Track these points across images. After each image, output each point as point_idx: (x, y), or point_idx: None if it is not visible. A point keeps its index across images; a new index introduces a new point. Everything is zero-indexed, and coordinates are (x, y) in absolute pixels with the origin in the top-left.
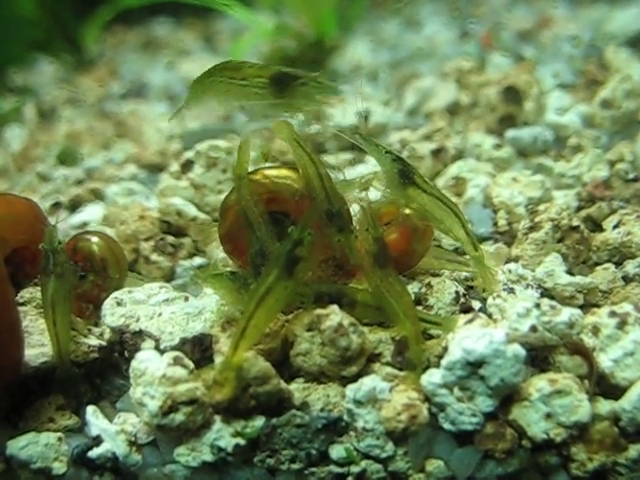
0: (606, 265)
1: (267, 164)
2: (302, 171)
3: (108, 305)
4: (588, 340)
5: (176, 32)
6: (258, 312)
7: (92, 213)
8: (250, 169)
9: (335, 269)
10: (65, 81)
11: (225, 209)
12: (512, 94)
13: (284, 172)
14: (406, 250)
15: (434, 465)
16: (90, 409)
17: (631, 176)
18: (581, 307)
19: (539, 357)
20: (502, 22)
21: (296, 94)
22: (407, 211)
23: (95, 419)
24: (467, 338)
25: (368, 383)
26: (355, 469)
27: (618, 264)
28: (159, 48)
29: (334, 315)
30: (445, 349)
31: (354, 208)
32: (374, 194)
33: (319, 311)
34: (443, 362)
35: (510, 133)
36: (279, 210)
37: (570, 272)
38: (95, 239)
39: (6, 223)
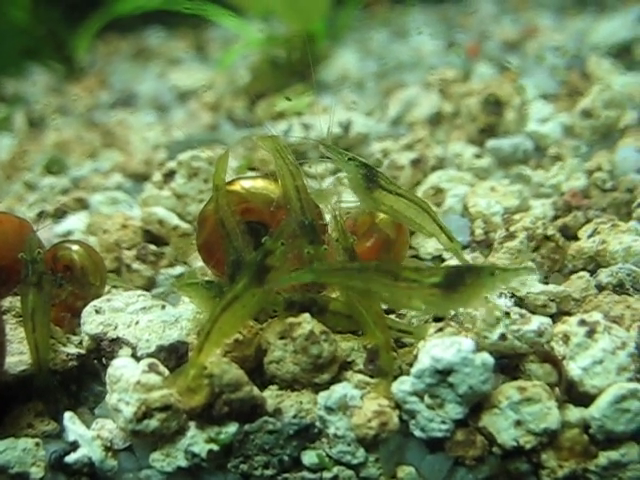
0: (581, 273)
1: (248, 174)
2: (280, 182)
3: (87, 313)
4: (559, 348)
5: (168, 41)
6: (223, 316)
7: (76, 222)
8: (230, 179)
9: None
10: (56, 90)
11: (202, 219)
12: (493, 104)
13: (260, 183)
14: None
15: (405, 471)
16: (67, 415)
17: (609, 185)
18: (554, 315)
19: (509, 365)
20: (488, 32)
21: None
22: (377, 223)
23: (72, 425)
24: (436, 346)
25: (339, 390)
26: (327, 475)
27: (592, 272)
28: (150, 57)
29: (306, 323)
30: (416, 357)
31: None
32: (349, 204)
33: (291, 319)
34: (412, 370)
35: (490, 143)
36: (255, 220)
37: (545, 280)
38: (75, 247)
39: None
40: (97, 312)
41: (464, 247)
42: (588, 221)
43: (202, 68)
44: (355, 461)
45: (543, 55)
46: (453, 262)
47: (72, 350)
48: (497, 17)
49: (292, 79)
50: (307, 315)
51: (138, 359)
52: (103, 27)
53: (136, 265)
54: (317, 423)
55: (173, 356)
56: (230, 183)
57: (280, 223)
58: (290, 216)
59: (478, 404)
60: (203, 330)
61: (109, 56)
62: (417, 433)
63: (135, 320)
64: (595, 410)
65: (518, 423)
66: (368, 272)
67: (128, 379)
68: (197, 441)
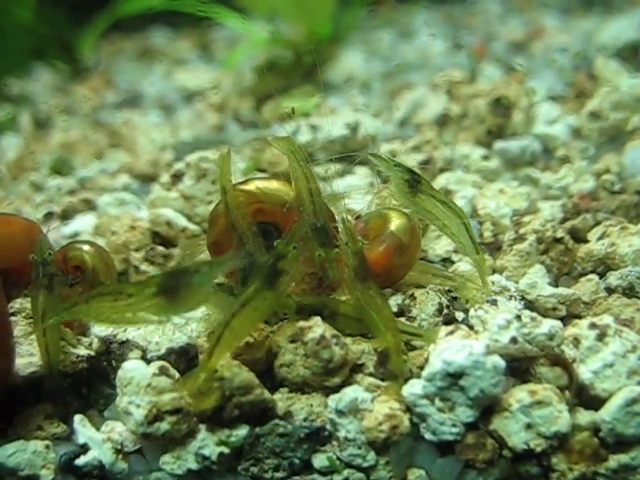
0: (590, 276)
1: (259, 175)
2: (294, 184)
3: None
4: (569, 351)
5: (173, 41)
6: (235, 321)
7: (84, 223)
8: (241, 179)
9: (319, 282)
10: (61, 90)
11: (214, 217)
12: (501, 106)
13: (274, 184)
14: (388, 266)
15: (416, 475)
16: (77, 417)
17: (617, 188)
18: (564, 318)
19: (520, 368)
20: (494, 33)
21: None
22: (392, 227)
23: (82, 427)
24: (447, 349)
25: (350, 393)
26: (338, 478)
27: (602, 275)
28: (155, 57)
29: (317, 327)
30: (427, 360)
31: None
32: (361, 207)
33: (302, 323)
34: (424, 373)
35: (498, 144)
36: (268, 221)
37: (555, 283)
38: (86, 247)
39: None
40: None
41: None
42: (597, 224)
43: (207, 68)
44: (366, 464)
45: (553, 57)
46: (462, 265)
47: (82, 352)
48: (503, 17)
49: (298, 80)
50: (318, 319)
51: (148, 362)
52: (108, 27)
53: (144, 267)
54: (328, 426)
55: (183, 359)
56: (244, 182)
57: (292, 225)
58: (302, 218)
59: (489, 407)
60: (214, 334)
61: (114, 56)
62: (428, 436)
63: None
64: (605, 413)
65: (528, 426)
66: (96, 298)
67: (139, 382)
68: (208, 444)
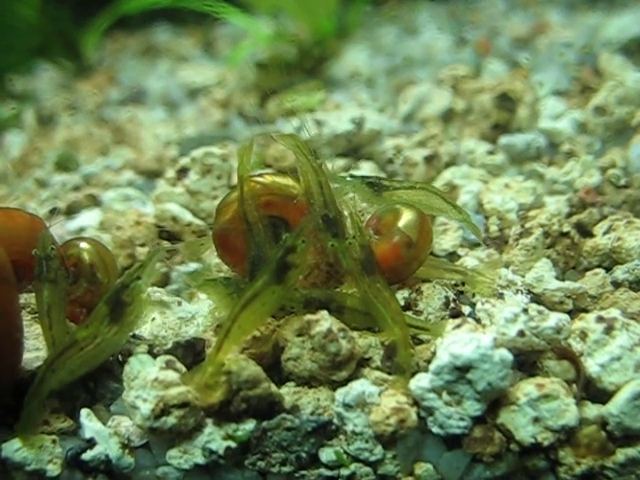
0: (596, 270)
1: (267, 170)
2: (302, 177)
3: None
4: (576, 345)
5: (176, 38)
6: (243, 314)
7: (89, 219)
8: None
9: (327, 275)
10: (65, 87)
11: (223, 206)
12: (506, 101)
13: (289, 180)
14: (396, 262)
15: (423, 468)
16: (84, 412)
17: (623, 182)
18: (570, 312)
19: (527, 362)
20: (498, 28)
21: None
22: (401, 224)
23: (89, 422)
24: (455, 343)
25: (357, 387)
26: (345, 472)
27: (608, 269)
28: (159, 54)
29: (324, 321)
30: (434, 354)
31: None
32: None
33: (309, 317)
34: (431, 367)
35: (503, 139)
36: (276, 215)
37: (561, 277)
38: (84, 245)
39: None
40: None
41: (478, 244)
42: (603, 218)
43: (211, 65)
44: (373, 458)
45: (561, 51)
46: (468, 259)
47: None
48: (506, 13)
49: (303, 76)
50: (325, 312)
51: (155, 356)
52: (111, 24)
53: None
54: (335, 420)
55: (190, 353)
56: (260, 175)
57: (301, 220)
58: (312, 212)
59: (496, 401)
60: (222, 328)
61: (117, 53)
62: (435, 430)
63: (151, 317)
64: (613, 407)
65: (536, 420)
66: (71, 349)
67: (145, 376)
68: (214, 438)
